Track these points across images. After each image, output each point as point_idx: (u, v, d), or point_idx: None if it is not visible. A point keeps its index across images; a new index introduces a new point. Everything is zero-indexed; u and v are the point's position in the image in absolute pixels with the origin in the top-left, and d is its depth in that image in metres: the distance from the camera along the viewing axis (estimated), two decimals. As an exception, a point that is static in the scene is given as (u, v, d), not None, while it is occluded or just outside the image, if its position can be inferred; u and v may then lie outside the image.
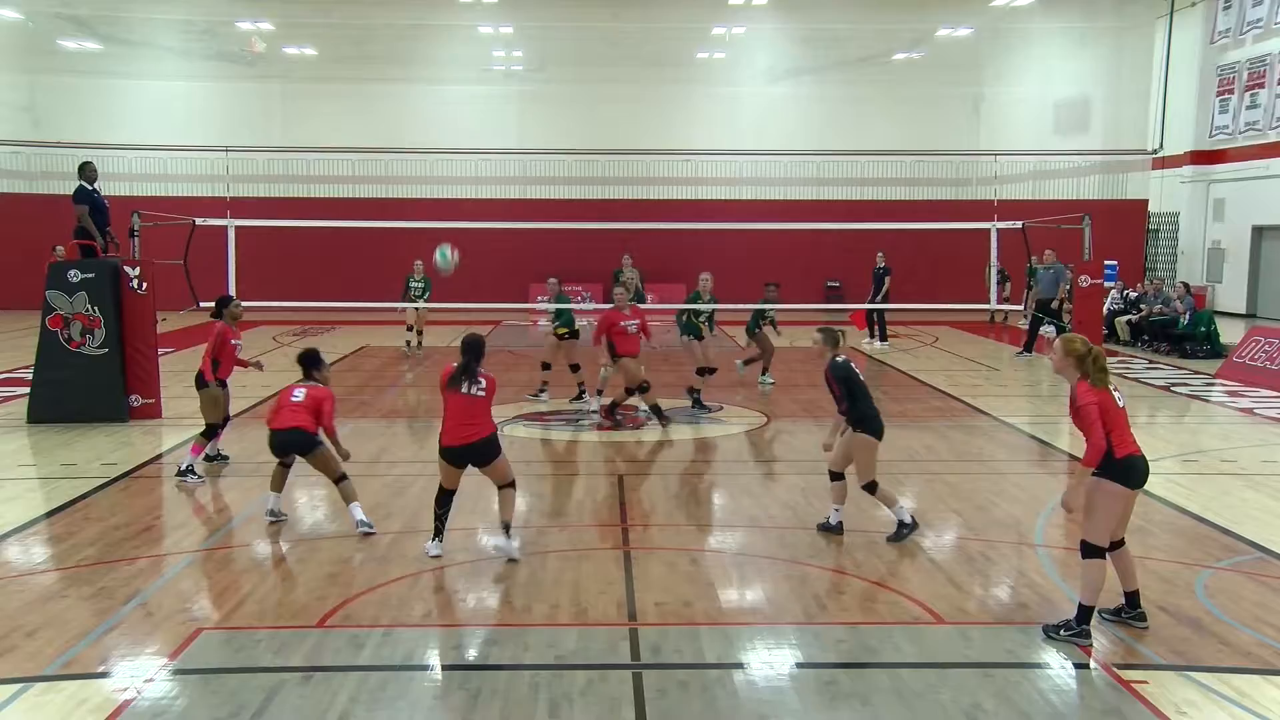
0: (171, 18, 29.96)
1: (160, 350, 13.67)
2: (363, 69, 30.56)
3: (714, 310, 15.21)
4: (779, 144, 30.10)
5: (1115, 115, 29.82)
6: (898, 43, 31.21)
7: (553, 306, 14.90)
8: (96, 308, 12.66)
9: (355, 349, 20.35)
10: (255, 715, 5.21)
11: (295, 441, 8.47)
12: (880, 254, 21.47)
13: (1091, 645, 6.10)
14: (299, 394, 8.62)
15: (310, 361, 8.88)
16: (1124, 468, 6.06)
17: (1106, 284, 18.18)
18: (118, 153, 27.13)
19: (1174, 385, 16.41)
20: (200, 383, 10.39)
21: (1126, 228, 28.32)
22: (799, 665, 5.93)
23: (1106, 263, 15.27)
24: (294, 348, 20.04)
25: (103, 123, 29.09)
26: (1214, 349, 19.46)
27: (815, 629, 6.41)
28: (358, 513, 8.39)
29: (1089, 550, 6.12)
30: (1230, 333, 20.08)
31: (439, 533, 7.83)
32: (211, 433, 10.38)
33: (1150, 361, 19.24)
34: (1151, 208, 29.59)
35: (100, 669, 5.77)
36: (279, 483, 8.70)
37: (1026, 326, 24.39)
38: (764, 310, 16.44)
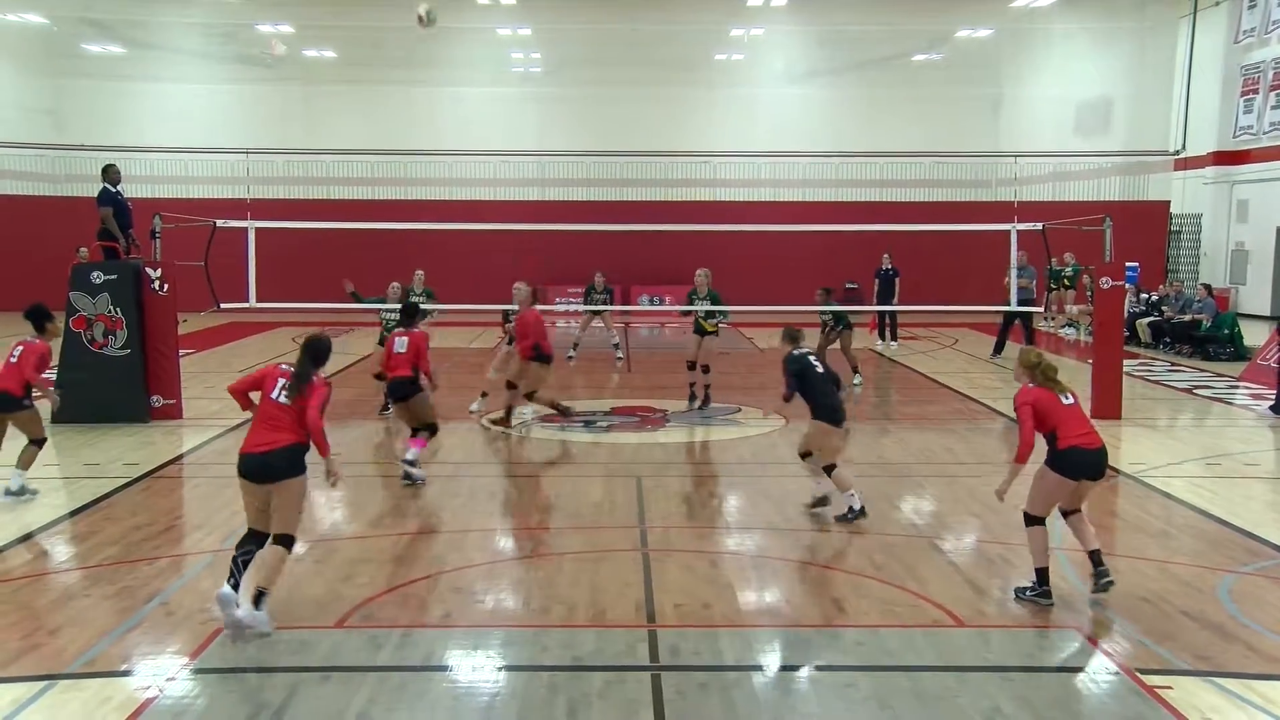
0: (192, 21, 30.19)
1: (181, 351, 13.76)
2: (382, 71, 30.71)
3: (715, 309, 14.50)
4: (797, 145, 30.03)
5: (1137, 116, 29.66)
6: (916, 44, 31.12)
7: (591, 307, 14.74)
8: (119, 309, 12.76)
9: (374, 350, 20.36)
10: (275, 715, 5.24)
11: (402, 388, 10.01)
12: (886, 255, 21.41)
13: (1053, 604, 6.79)
14: (401, 343, 10.13)
15: (412, 310, 10.44)
16: (1062, 458, 6.78)
17: (1127, 286, 18.07)
18: (140, 155, 27.33)
19: (1196, 388, 16.29)
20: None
21: (1148, 229, 28.14)
22: (818, 668, 5.92)
23: (1127, 265, 15.16)
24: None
25: (125, 126, 29.30)
26: (1237, 351, 19.30)
27: (834, 631, 6.39)
28: (410, 454, 9.80)
29: (1028, 520, 6.96)
30: (1254, 335, 19.92)
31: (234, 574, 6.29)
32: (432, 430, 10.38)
33: (1172, 364, 19.11)
34: (1174, 209, 29.39)
35: (123, 667, 5.81)
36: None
37: (1054, 328, 24.36)
38: (823, 315, 16.13)
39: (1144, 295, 22.60)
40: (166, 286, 12.94)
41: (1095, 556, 6.90)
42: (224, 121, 30.05)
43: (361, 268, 26.72)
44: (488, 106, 30.68)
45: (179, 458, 11.14)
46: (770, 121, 30.76)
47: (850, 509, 8.72)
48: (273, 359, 15.53)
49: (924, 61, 31.24)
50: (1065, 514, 7.01)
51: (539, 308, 12.80)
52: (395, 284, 14.11)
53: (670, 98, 30.61)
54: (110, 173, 13.48)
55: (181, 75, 30.50)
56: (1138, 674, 5.74)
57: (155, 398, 12.88)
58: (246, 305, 14.68)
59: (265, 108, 30.64)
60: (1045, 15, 29.60)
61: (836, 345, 16.13)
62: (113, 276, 12.81)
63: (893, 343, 21.36)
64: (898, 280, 21.16)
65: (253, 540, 6.38)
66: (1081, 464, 6.80)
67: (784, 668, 5.91)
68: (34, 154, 29.35)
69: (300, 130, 30.34)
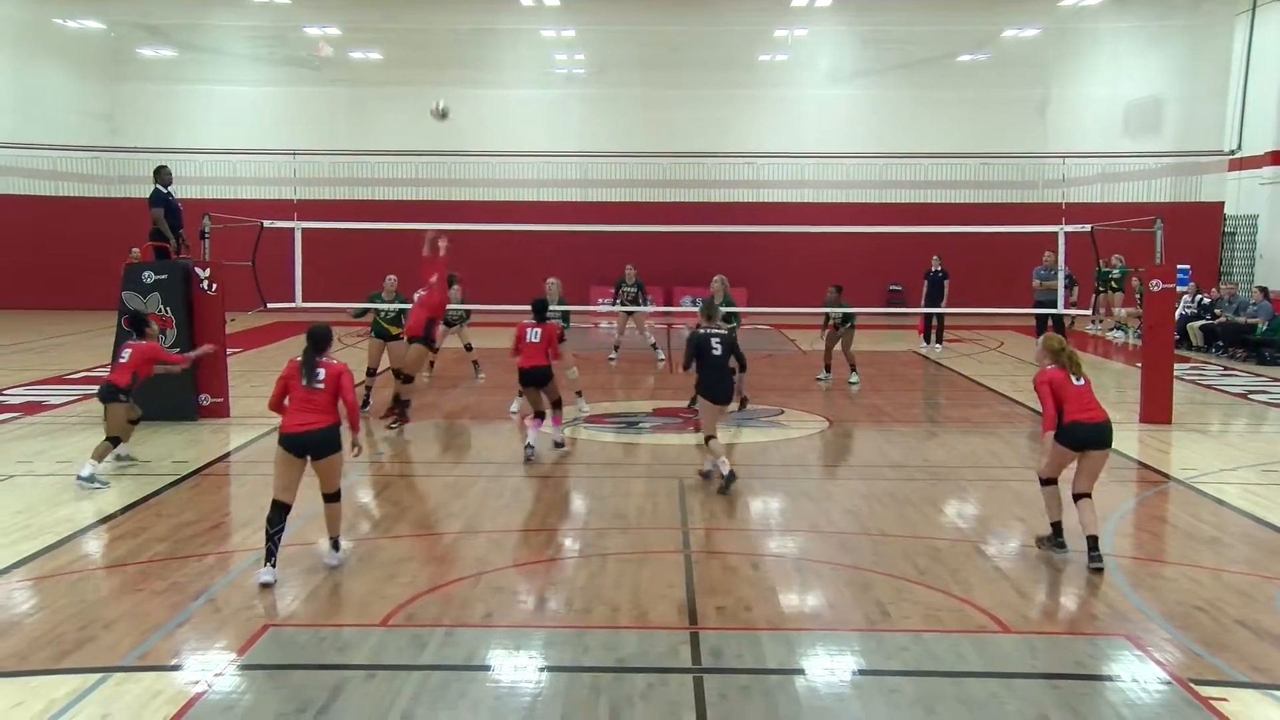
0: (243, 25, 30.62)
1: (229, 350, 13.94)
2: (427, 73, 30.90)
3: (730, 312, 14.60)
4: (841, 146, 29.85)
5: (1189, 115, 29.07)
6: (962, 44, 30.81)
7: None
8: (169, 308, 12.95)
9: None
10: (320, 712, 5.28)
11: (538, 376, 10.96)
12: (936, 257, 21.21)
13: (1067, 551, 7.77)
14: (534, 334, 10.95)
15: (543, 306, 11.24)
16: (1065, 431, 7.75)
17: (1180, 289, 17.77)
18: (190, 157, 27.77)
19: (1251, 393, 15.98)
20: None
21: (1200, 231, 27.62)
22: (861, 672, 5.87)
23: (1179, 267, 14.86)
24: (357, 348, 20.31)
25: (177, 128, 29.79)
26: (1294, 355, 18.92)
27: (878, 636, 6.34)
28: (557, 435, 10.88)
29: (1042, 482, 7.95)
30: (1310, 339, 19.48)
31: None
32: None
33: (1226, 368, 18.76)
34: (1228, 210, 28.83)
35: (173, 662, 5.90)
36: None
37: (1102, 331, 24.01)
38: (827, 313, 16.43)
39: (1199, 298, 22.19)
40: (215, 286, 13.12)
41: (1092, 541, 7.60)
42: (272, 123, 30.43)
43: (405, 267, 27.03)
44: (531, 108, 30.80)
45: (226, 455, 11.29)
46: (814, 122, 30.61)
47: (722, 475, 9.55)
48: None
49: (970, 61, 30.92)
50: (1076, 498, 7.75)
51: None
52: (391, 276, 14.48)
53: (714, 99, 30.54)
54: (162, 174, 13.69)
55: (231, 78, 30.96)
56: (1191, 685, 5.63)
57: (203, 396, 13.06)
58: (292, 305, 14.85)
59: (312, 109, 30.99)
60: (1094, 14, 29.17)
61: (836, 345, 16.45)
62: (163, 276, 13.01)
63: (937, 345, 21.18)
64: (946, 283, 20.96)
65: (280, 515, 7.20)
66: (1083, 435, 7.72)
67: (827, 672, 5.87)
68: (89, 156, 29.92)
69: (346, 132, 30.67)
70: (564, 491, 10.25)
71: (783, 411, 14.13)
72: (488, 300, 18.31)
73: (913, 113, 30.47)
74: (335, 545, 7.60)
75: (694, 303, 28.35)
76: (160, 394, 12.75)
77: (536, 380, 11.09)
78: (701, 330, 9.86)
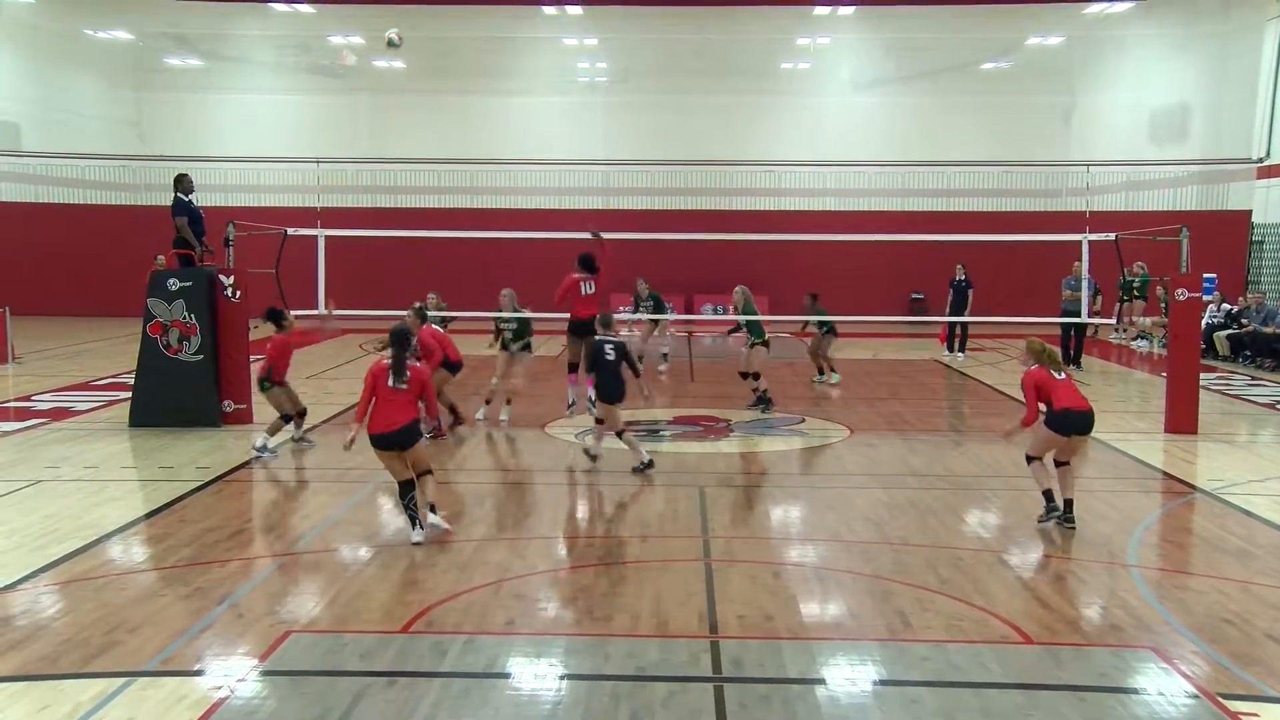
0: (268, 34, 30.88)
1: (252, 357, 14.04)
2: (450, 81, 31.12)
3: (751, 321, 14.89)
4: (864, 154, 29.79)
5: (1216, 123, 28.85)
6: (986, 52, 30.71)
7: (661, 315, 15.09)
8: (193, 315, 13.05)
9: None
10: (341, 718, 5.30)
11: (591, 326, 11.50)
12: (960, 266, 21.13)
13: (1059, 513, 8.72)
14: (588, 286, 12.34)
15: (606, 321, 11.40)
16: (1057, 418, 8.68)
17: (1205, 298, 17.61)
18: (215, 165, 28.01)
19: (1279, 403, 15.82)
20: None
21: (1228, 240, 27.37)
22: (882, 682, 5.85)
23: (1205, 276, 14.74)
24: (381, 356, 20.37)
25: (202, 136, 30.09)
26: (1324, 365, 18.72)
27: (899, 646, 6.31)
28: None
29: (1029, 460, 8.94)
30: (1338, 349, 19.26)
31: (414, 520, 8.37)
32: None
33: (1253, 378, 18.58)
34: (1256, 219, 28.52)
35: (196, 667, 5.94)
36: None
37: (1125, 340, 23.83)
38: (806, 321, 17.16)
39: (1225, 307, 21.99)
40: (239, 293, 13.21)
41: (1069, 504, 8.75)
42: (296, 131, 30.67)
43: (428, 275, 27.17)
44: (554, 116, 30.91)
45: (249, 462, 11.35)
46: (836, 130, 30.56)
47: (644, 463, 10.62)
48: (339, 365, 15.68)
49: (993, 69, 30.82)
50: (1058, 464, 8.82)
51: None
52: (507, 290, 13.87)
53: (736, 107, 30.57)
54: (183, 183, 13.78)
55: (256, 87, 31.24)
56: (1220, 699, 5.57)
57: (227, 403, 13.15)
58: (316, 312, 14.93)
59: (336, 118, 31.23)
60: (1120, 21, 29.01)
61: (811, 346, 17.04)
62: (188, 283, 13.11)
63: (960, 354, 21.08)
64: (970, 292, 20.89)
65: (407, 489, 8.33)
66: (1072, 421, 8.70)
67: (848, 681, 5.84)
68: (117, 165, 30.24)
69: (369, 140, 30.87)
70: (585, 499, 10.25)
71: (804, 420, 14.10)
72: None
73: (935, 120, 30.38)
74: (433, 510, 8.48)
75: (715, 310, 28.46)
76: (184, 400, 12.90)
77: (591, 330, 11.69)
78: (598, 339, 10.92)
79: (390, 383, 8.30)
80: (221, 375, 13.15)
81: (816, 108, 31.06)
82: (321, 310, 14.00)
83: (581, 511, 9.83)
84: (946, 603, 7.03)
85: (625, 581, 7.44)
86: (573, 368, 12.76)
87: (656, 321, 19.04)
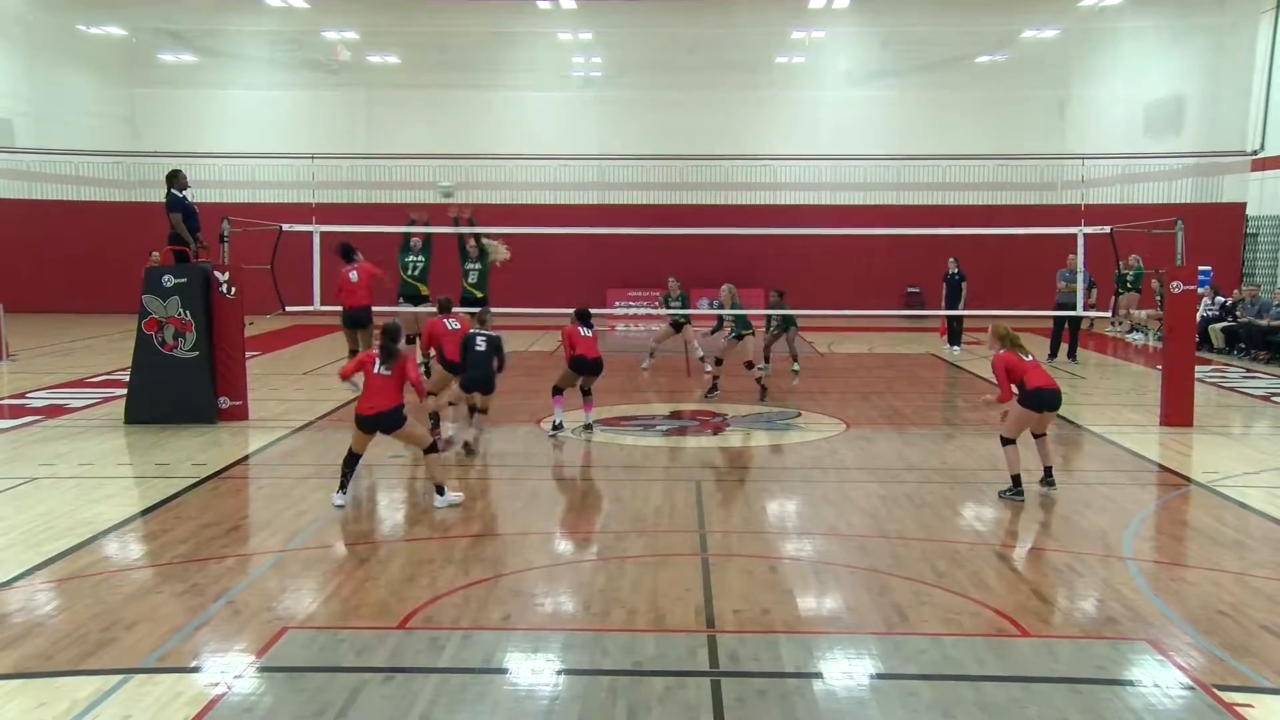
0: (261, 29, 30.83)
1: (247, 353, 14.02)
2: (444, 76, 31.09)
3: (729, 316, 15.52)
4: (859, 149, 29.82)
5: (1211, 115, 28.87)
6: (981, 45, 30.73)
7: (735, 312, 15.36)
8: (188, 311, 13.02)
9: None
10: (339, 715, 5.30)
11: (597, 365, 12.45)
12: (953, 260, 21.14)
13: (1023, 502, 9.41)
14: (585, 329, 12.30)
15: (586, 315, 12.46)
16: (1030, 396, 9.37)
17: (1200, 290, 17.65)
18: (209, 161, 27.99)
19: (1274, 395, 15.86)
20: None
21: (1222, 232, 27.44)
22: (879, 676, 5.86)
23: (1200, 268, 14.77)
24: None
25: (197, 132, 30.07)
26: (1318, 357, 18.76)
27: (896, 639, 6.32)
28: None
29: (1004, 441, 9.56)
30: (1333, 340, 19.31)
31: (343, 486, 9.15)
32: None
33: (1248, 370, 18.62)
34: (1250, 211, 28.60)
35: (193, 664, 5.93)
36: None
37: (1119, 333, 23.87)
38: (769, 316, 17.32)
39: (1220, 300, 22.03)
40: (234, 289, 13.19)
41: (1048, 471, 9.68)
42: (290, 127, 30.64)
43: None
44: (549, 111, 30.91)
45: (245, 458, 11.35)
46: (832, 125, 30.59)
47: (461, 441, 11.34)
48: (337, 360, 15.53)
49: (989, 63, 30.84)
50: (1036, 437, 9.66)
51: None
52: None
53: (731, 101, 30.58)
54: (178, 178, 13.73)
55: (250, 82, 31.20)
56: (1215, 690, 5.59)
57: (223, 399, 13.13)
58: (311, 308, 14.92)
59: (330, 113, 31.20)
60: (1115, 13, 29.02)
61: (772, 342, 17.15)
62: (183, 280, 13.08)
63: (955, 348, 21.10)
64: (964, 285, 20.92)
65: (354, 461, 9.16)
66: (1046, 398, 9.43)
67: (845, 675, 5.86)
68: (111, 161, 30.19)
69: (364, 135, 30.86)
70: (581, 494, 10.25)
71: (800, 414, 14.11)
72: (504, 304, 18.28)
73: (931, 114, 30.42)
74: (440, 491, 9.17)
75: (711, 305, 28.44)
76: (179, 397, 12.88)
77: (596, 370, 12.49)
78: (471, 330, 11.43)
79: (376, 369, 8.98)
80: (217, 372, 13.14)
81: (812, 102, 31.07)
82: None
83: (578, 506, 9.83)
84: (943, 596, 7.04)
85: (622, 576, 7.45)
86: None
87: (680, 326, 17.56)
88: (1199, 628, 6.43)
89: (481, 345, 11.25)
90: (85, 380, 16.66)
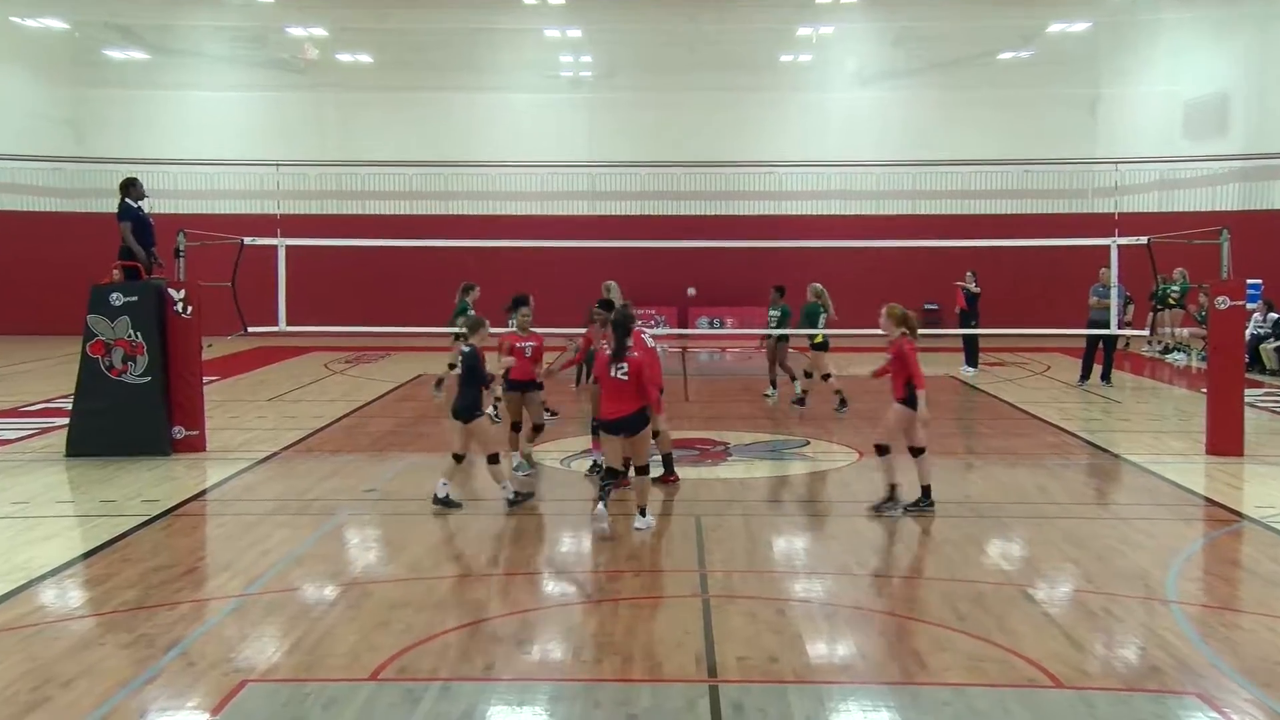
0: (221, 25, 30.91)
1: (205, 379, 13.98)
2: (422, 77, 31.19)
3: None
4: (871, 154, 29.94)
5: (1259, 114, 28.81)
6: (1003, 41, 30.90)
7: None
8: (139, 333, 12.97)
9: (411, 377, 20.61)
10: (302, 774, 5.25)
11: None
12: (971, 273, 21.14)
13: (899, 512, 9.97)
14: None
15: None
16: (914, 399, 9.87)
17: (1249, 305, 17.65)
18: (164, 168, 27.99)
19: (1326, 420, 15.87)
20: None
21: (1273, 242, 27.48)
22: (899, 731, 5.81)
23: (1249, 282, 14.77)
24: (347, 375, 20.34)
25: (148, 137, 30.04)
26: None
27: (915, 690, 6.28)
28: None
29: (881, 450, 10.11)
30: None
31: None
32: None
33: (1300, 394, 18.65)
34: (1305, 218, 28.66)
35: (140, 722, 5.87)
36: None
37: (1156, 352, 23.89)
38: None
39: (1272, 316, 22.04)
40: (191, 309, 13.15)
41: (926, 490, 10.04)
42: (253, 132, 30.69)
43: (399, 288, 27.21)
44: (535, 114, 31.00)
45: (202, 494, 11.29)
46: (841, 128, 30.71)
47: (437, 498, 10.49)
48: (304, 385, 15.64)
49: (1011, 60, 30.98)
50: (916, 452, 10.11)
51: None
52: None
53: (732, 103, 30.70)
54: (134, 188, 13.71)
55: (208, 83, 31.23)
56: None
57: (177, 429, 13.07)
58: (276, 329, 14.90)
59: (297, 117, 31.26)
60: (1151, 5, 29.14)
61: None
62: (133, 298, 13.03)
63: (970, 368, 21.05)
64: (978, 301, 20.98)
65: (614, 475, 9.81)
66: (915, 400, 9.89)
67: (861, 730, 5.81)
68: (52, 168, 30.14)
69: (334, 141, 30.91)
70: (571, 530, 10.20)
71: (808, 443, 14.09)
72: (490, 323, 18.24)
73: (949, 117, 30.55)
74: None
75: (711, 324, 28.51)
76: (129, 427, 12.81)
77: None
78: (466, 349, 10.75)
79: (613, 372, 9.70)
80: (171, 399, 13.08)
81: (819, 104, 31.21)
82: None
83: (567, 544, 9.78)
84: (966, 641, 7.00)
85: (616, 620, 7.40)
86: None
87: (783, 339, 17.60)
88: (1256, 680, 6.38)
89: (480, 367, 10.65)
90: (20, 409, 16.59)
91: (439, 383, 16.66)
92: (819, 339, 16.23)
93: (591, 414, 11.47)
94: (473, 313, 11.49)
